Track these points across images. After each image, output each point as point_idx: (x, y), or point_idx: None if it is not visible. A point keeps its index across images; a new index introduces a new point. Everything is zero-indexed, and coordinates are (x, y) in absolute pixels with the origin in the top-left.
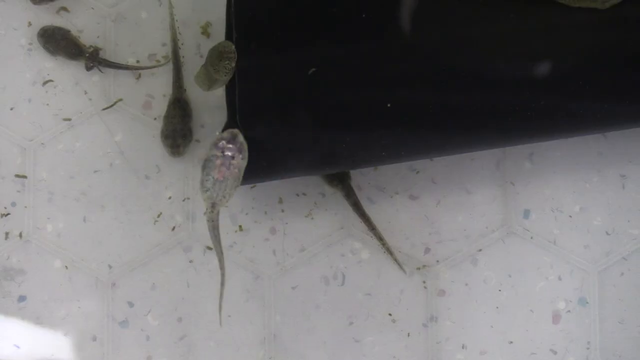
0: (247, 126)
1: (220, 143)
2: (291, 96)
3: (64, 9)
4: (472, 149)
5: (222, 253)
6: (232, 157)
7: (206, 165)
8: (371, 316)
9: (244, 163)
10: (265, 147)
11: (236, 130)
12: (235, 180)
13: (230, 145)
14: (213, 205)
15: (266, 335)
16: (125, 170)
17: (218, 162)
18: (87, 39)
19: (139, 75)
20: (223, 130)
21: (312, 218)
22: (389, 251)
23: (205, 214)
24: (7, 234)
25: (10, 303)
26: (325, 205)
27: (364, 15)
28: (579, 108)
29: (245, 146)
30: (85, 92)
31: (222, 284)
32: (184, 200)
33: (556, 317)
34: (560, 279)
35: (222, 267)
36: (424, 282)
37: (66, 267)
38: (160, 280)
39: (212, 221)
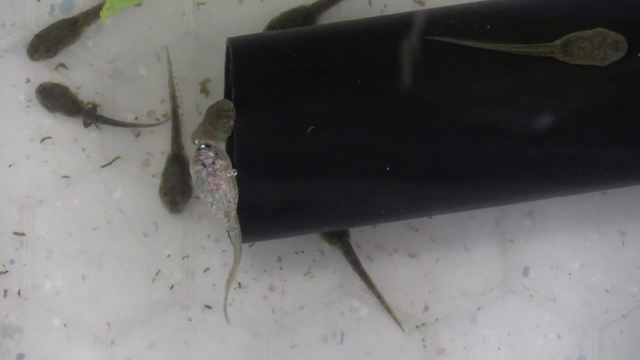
0: (246, 184)
1: (196, 157)
2: (290, 155)
3: (62, 65)
4: (473, 206)
5: (239, 256)
6: (214, 162)
7: (197, 184)
8: None
9: (228, 162)
10: (264, 205)
11: (205, 140)
12: (229, 182)
13: (205, 153)
14: (226, 214)
15: None
16: (123, 228)
17: (204, 174)
18: (85, 95)
19: (139, 133)
20: None
21: (312, 276)
22: (388, 309)
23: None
24: (5, 291)
25: None
26: (324, 263)
27: (359, 81)
28: (579, 162)
29: (221, 147)
30: (84, 149)
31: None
32: (183, 258)
33: None
34: (559, 336)
35: (236, 260)
36: (423, 340)
37: (65, 325)
38: (159, 338)
39: (234, 229)
